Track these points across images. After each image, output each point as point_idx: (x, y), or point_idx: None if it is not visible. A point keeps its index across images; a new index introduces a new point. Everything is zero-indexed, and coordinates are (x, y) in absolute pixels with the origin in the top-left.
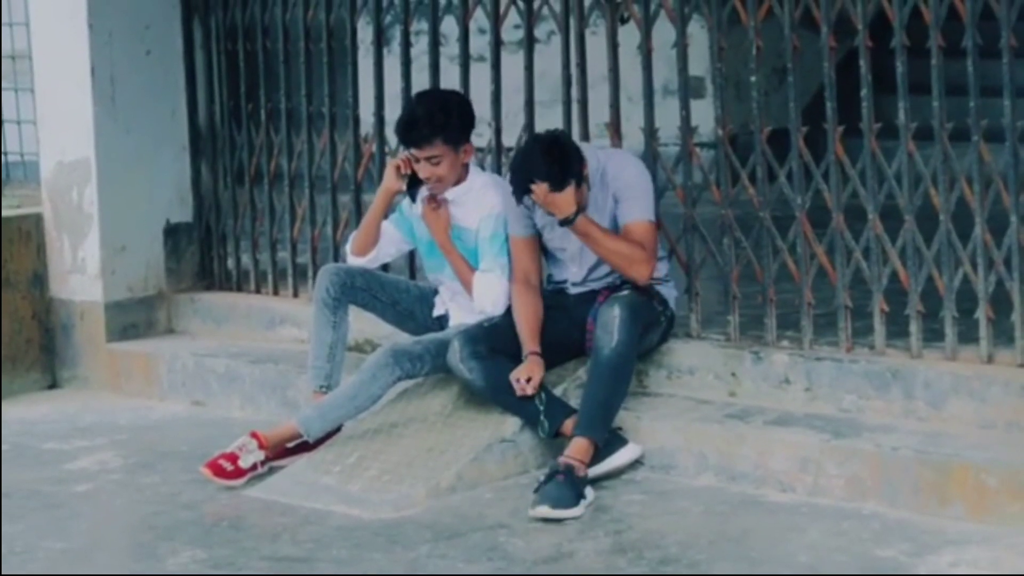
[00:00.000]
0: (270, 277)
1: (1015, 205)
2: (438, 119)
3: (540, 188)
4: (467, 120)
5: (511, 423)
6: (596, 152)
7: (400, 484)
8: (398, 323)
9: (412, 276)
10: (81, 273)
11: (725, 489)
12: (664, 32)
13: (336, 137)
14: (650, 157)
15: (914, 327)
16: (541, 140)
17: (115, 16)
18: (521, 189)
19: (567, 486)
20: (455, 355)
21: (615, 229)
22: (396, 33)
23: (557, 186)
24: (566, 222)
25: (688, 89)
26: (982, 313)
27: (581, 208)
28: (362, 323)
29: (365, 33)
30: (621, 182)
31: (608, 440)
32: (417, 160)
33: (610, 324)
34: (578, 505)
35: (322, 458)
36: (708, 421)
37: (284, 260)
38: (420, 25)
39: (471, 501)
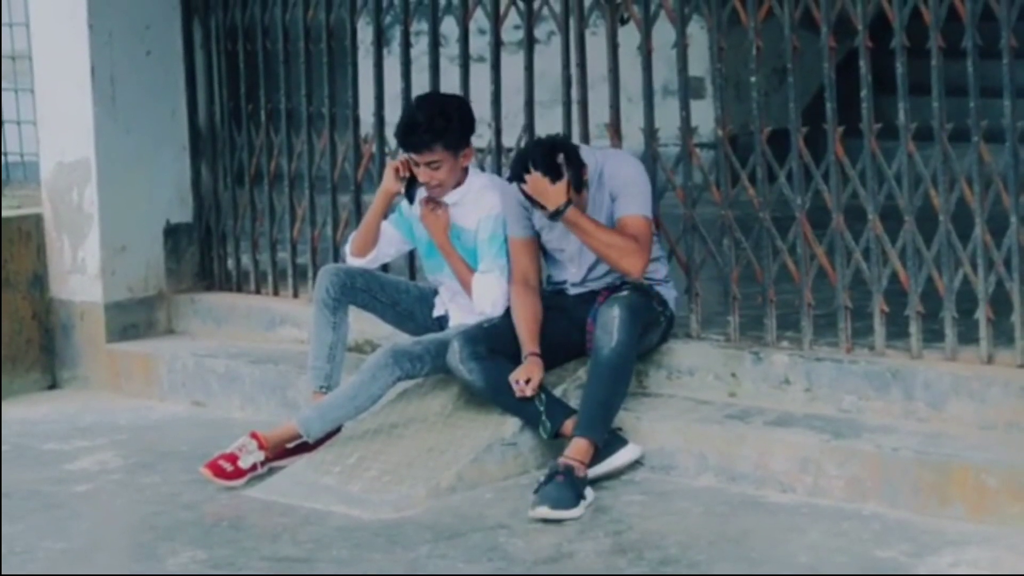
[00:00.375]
0: (270, 277)
1: (1015, 206)
2: (438, 125)
3: (534, 177)
4: (467, 125)
5: (511, 424)
6: (594, 152)
7: (400, 484)
8: (398, 324)
9: (412, 276)
10: (81, 273)
11: (725, 490)
12: (664, 32)
13: (336, 137)
14: (650, 158)
15: (914, 328)
16: (545, 139)
17: (115, 16)
18: (516, 175)
19: (567, 487)
20: (454, 356)
21: (611, 227)
22: (396, 33)
23: (553, 177)
24: (556, 214)
25: (688, 90)
26: (982, 314)
27: (580, 209)
28: (362, 323)
29: (365, 33)
30: (618, 180)
31: (608, 441)
32: (416, 164)
33: (610, 324)
34: (578, 506)
35: (322, 458)
36: (708, 422)
37: (284, 260)
38: (420, 25)
39: (471, 501)
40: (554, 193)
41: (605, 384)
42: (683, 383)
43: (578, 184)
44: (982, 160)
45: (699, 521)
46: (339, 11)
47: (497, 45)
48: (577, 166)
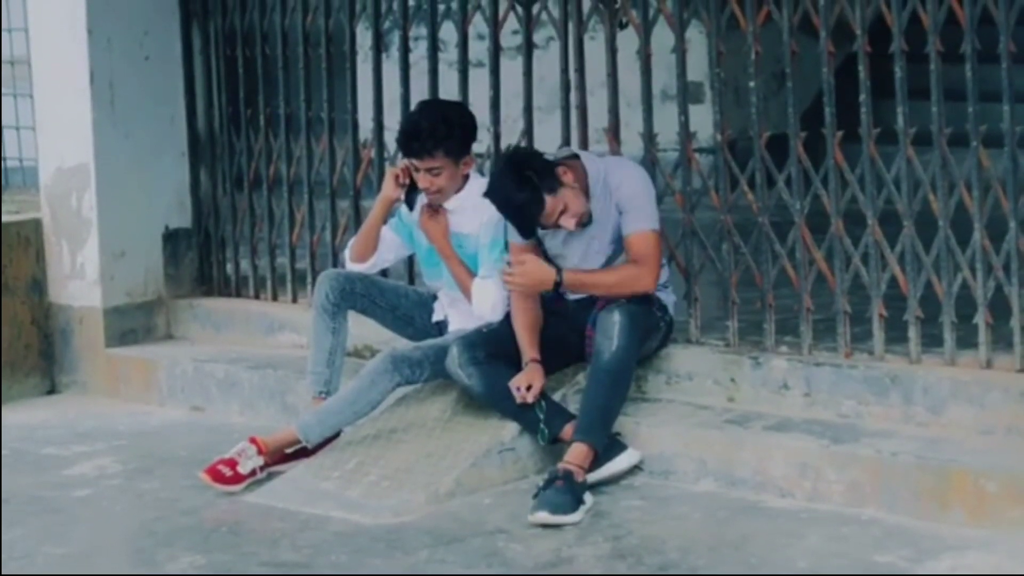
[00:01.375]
0: (269, 283)
1: (1014, 210)
2: (440, 132)
3: (516, 272)
4: (469, 133)
5: (510, 429)
6: (596, 160)
7: (399, 489)
8: (397, 329)
9: (411, 281)
10: (80, 279)
11: (724, 495)
12: (663, 37)
13: (335, 142)
14: (649, 163)
15: (913, 332)
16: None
17: (114, 22)
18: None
19: (566, 492)
20: (453, 361)
21: (620, 238)
22: (395, 38)
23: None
24: (557, 286)
25: (687, 94)
26: (981, 318)
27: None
28: (361, 328)
29: (364, 38)
30: (623, 193)
31: (607, 446)
32: (417, 170)
33: (610, 330)
34: (577, 511)
35: (321, 463)
36: (707, 426)
37: (283, 266)
38: (419, 30)
39: (470, 507)
40: (540, 273)
41: (605, 389)
42: (682, 388)
43: (552, 186)
44: (981, 165)
45: (698, 526)
46: (338, 16)
47: (496, 50)
48: (540, 198)
